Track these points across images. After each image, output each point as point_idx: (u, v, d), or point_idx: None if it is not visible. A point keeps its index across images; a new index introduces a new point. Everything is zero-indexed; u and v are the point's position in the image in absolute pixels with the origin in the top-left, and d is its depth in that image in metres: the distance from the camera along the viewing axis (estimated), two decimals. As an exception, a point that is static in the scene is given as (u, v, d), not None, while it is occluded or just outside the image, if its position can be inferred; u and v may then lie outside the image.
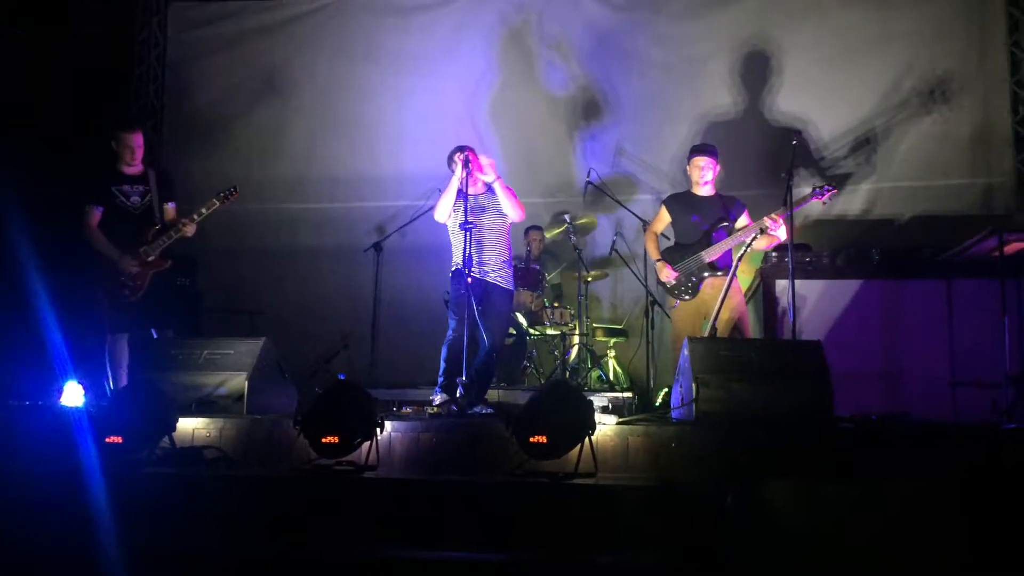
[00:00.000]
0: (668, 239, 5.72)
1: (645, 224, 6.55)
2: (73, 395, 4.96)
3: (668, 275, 5.45)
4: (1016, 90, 6.83)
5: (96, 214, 5.44)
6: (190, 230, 5.43)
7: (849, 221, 6.91)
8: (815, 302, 5.77)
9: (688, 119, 7.30)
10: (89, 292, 5.55)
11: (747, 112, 7.26)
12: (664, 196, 5.93)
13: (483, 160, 5.15)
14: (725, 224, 5.44)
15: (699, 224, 5.47)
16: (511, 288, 5.32)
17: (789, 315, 4.98)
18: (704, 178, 5.50)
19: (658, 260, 5.53)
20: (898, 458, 3.78)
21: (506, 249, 5.30)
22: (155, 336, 5.43)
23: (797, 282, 5.15)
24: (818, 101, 7.11)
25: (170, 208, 5.60)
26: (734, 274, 5.20)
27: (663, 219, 5.66)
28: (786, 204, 5.09)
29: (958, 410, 4.97)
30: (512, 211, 5.21)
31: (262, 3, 8.12)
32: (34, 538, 3.60)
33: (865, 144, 7.00)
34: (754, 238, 5.21)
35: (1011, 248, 4.85)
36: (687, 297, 5.42)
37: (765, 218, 5.21)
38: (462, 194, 5.08)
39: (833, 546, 3.36)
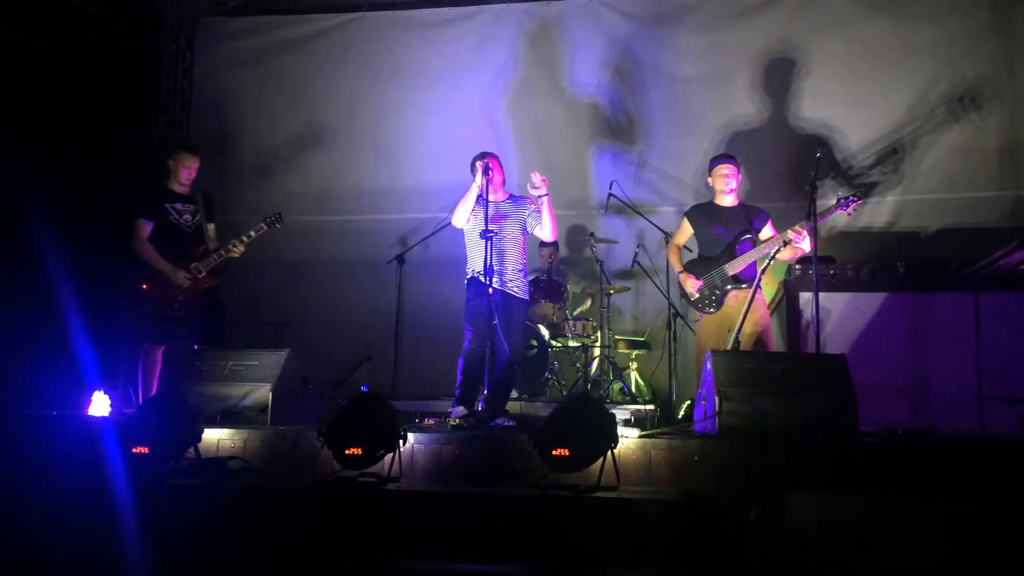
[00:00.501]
0: (691, 251, 5.70)
1: (667, 236, 6.54)
2: (100, 406, 5.02)
3: (692, 288, 5.43)
4: (1044, 102, 6.78)
5: (147, 228, 5.61)
6: (238, 251, 5.65)
7: (874, 233, 6.85)
8: (840, 315, 5.73)
9: (711, 131, 7.29)
10: (129, 302, 5.66)
11: (771, 124, 7.23)
12: (687, 208, 5.92)
13: (535, 177, 5.09)
14: (749, 235, 5.40)
15: (723, 236, 5.44)
16: (527, 298, 5.31)
17: (813, 328, 4.94)
18: (728, 186, 5.46)
19: (682, 273, 5.52)
20: (924, 473, 3.74)
21: (523, 259, 5.29)
22: (196, 348, 5.52)
23: (821, 295, 5.11)
24: (843, 113, 7.07)
25: (211, 228, 5.79)
26: (757, 287, 5.18)
27: (686, 231, 5.63)
28: (810, 216, 5.06)
29: (985, 425, 4.90)
30: (549, 230, 5.20)
31: (288, 18, 8.23)
32: (61, 548, 3.64)
33: (891, 156, 6.96)
34: (778, 250, 5.19)
35: (1039, 261, 4.80)
36: (711, 310, 5.39)
37: (789, 230, 5.18)
38: (483, 201, 5.06)
39: (857, 561, 3.33)
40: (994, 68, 6.85)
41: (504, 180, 5.33)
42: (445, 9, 7.98)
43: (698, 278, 5.42)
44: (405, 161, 7.82)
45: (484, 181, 5.04)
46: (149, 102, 8.30)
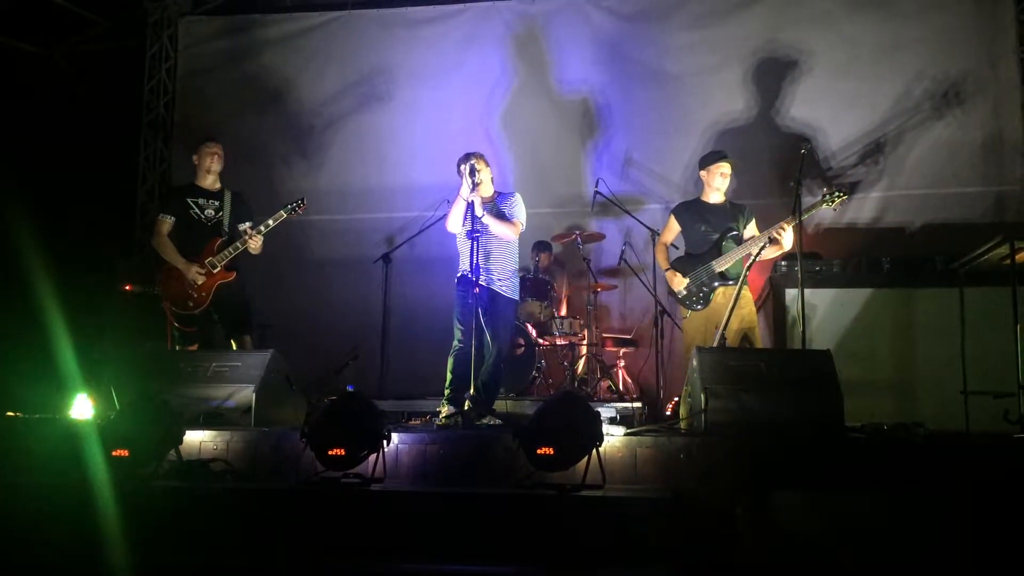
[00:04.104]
0: (678, 249, 5.69)
1: (654, 233, 6.54)
2: (82, 408, 4.97)
3: (678, 285, 5.42)
4: (1027, 97, 6.80)
5: (167, 223, 5.49)
6: (255, 242, 5.42)
7: (859, 229, 6.86)
8: (825, 311, 5.74)
9: (698, 129, 7.29)
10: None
11: (757, 121, 7.23)
12: (673, 205, 5.91)
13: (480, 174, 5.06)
14: (734, 233, 5.42)
15: (709, 233, 5.44)
16: (516, 298, 5.29)
17: (799, 324, 4.94)
18: (724, 185, 5.48)
19: (668, 270, 5.51)
20: (909, 468, 3.74)
21: (513, 259, 5.26)
22: (233, 347, 5.45)
23: (807, 291, 5.10)
24: (828, 109, 7.09)
25: (244, 228, 5.58)
26: (743, 283, 5.17)
27: (672, 229, 5.62)
28: (795, 212, 5.05)
29: (970, 419, 4.92)
30: (504, 232, 5.15)
31: (271, 17, 8.19)
32: (41, 551, 3.61)
33: (875, 152, 6.98)
34: (763, 247, 5.19)
35: (1023, 256, 4.80)
36: (699, 307, 5.37)
37: (775, 227, 5.19)
38: (469, 201, 5.03)
39: (843, 557, 3.33)
40: (977, 64, 6.88)
41: (493, 177, 5.29)
42: (430, 7, 7.95)
43: (684, 275, 5.42)
44: (391, 160, 7.79)
45: (471, 183, 5.01)
46: (133, 101, 8.25)
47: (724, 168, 5.47)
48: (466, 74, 7.76)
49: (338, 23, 8.07)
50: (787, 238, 5.16)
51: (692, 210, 5.56)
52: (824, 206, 5.26)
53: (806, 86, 7.16)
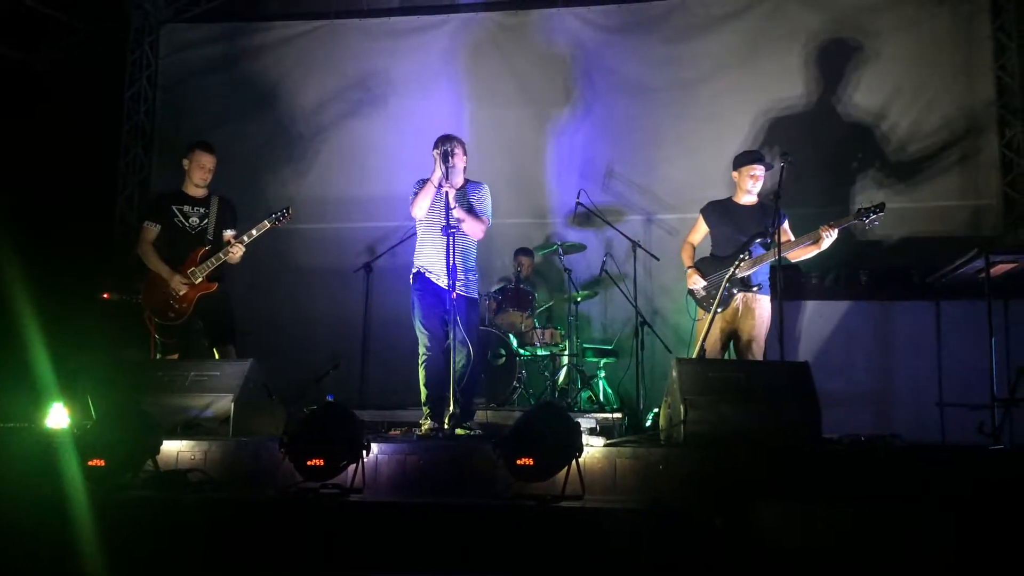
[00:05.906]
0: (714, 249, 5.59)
1: (635, 244, 6.56)
2: (58, 417, 4.92)
3: (696, 285, 5.36)
4: (1003, 113, 6.90)
5: (152, 231, 5.43)
6: (236, 251, 5.35)
7: (837, 242, 6.88)
8: (803, 323, 5.77)
9: (680, 140, 7.33)
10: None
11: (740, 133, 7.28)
12: (654, 217, 5.91)
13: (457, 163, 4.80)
14: (762, 238, 5.25)
15: (736, 236, 5.30)
16: (476, 297, 5.14)
17: (777, 336, 4.96)
18: (758, 187, 5.34)
19: (689, 268, 5.40)
20: (886, 479, 3.77)
21: (473, 257, 5.06)
22: (216, 357, 5.39)
23: (786, 303, 5.13)
24: (808, 123, 7.15)
25: (228, 235, 5.52)
26: (725, 296, 5.14)
27: (700, 228, 5.49)
28: (772, 224, 5.05)
29: (946, 431, 4.97)
30: (473, 229, 4.93)
31: (254, 25, 8.17)
32: (15, 562, 3.57)
33: (854, 165, 7.03)
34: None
35: (998, 270, 4.85)
36: (719, 310, 5.22)
37: (810, 235, 5.09)
38: (442, 191, 4.74)
39: (822, 568, 3.35)
40: (954, 80, 6.97)
41: (466, 167, 5.08)
42: (413, 17, 7.97)
43: (705, 276, 5.33)
44: (372, 169, 7.78)
45: (444, 170, 4.74)
46: (113, 108, 8.20)
47: (756, 170, 5.33)
48: (448, 84, 7.78)
49: (322, 32, 8.07)
50: (827, 240, 5.08)
51: (720, 210, 5.43)
52: (856, 220, 5.13)
53: (784, 100, 7.22)
